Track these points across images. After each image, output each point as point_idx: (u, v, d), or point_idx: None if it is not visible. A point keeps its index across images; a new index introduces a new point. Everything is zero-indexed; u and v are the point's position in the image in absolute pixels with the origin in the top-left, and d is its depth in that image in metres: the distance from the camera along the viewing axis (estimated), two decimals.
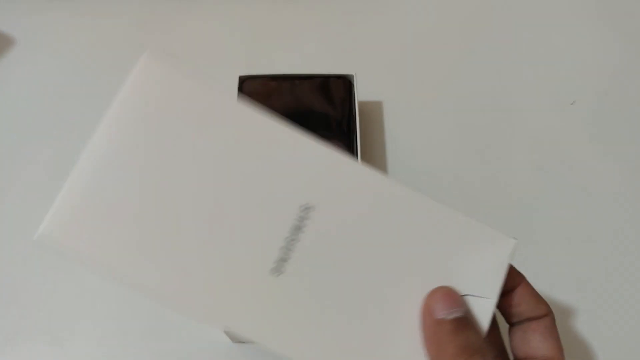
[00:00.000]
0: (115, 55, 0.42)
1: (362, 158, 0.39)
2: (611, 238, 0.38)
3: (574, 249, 0.38)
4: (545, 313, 0.26)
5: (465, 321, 0.22)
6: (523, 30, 0.45)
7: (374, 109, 0.42)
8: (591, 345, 0.35)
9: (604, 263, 0.38)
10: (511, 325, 0.27)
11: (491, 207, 0.39)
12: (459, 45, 0.45)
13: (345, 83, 0.39)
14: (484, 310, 0.23)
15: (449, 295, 0.22)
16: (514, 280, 0.26)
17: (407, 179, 0.40)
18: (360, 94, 0.39)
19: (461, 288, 0.23)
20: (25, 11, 0.46)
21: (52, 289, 0.36)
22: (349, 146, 0.37)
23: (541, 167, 0.40)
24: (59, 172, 0.41)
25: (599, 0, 0.47)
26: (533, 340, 0.26)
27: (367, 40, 0.45)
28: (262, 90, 0.39)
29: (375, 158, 0.41)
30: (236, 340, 0.35)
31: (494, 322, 0.26)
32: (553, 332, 0.26)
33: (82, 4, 0.46)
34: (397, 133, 0.41)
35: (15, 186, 0.40)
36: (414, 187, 0.42)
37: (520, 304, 0.26)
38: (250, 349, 0.35)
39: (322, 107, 0.38)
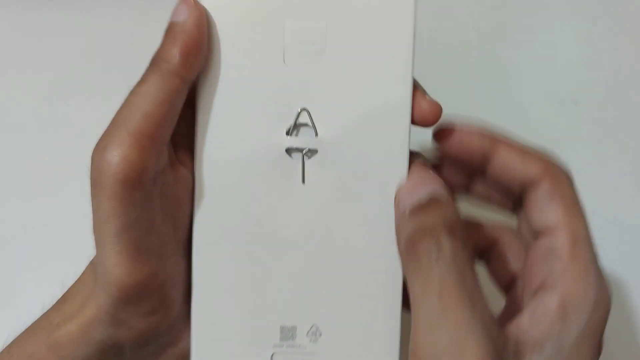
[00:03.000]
0: (115, 54, 0.42)
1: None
2: (613, 238, 0.38)
3: None
4: (539, 176, 0.22)
5: (425, 203, 0.20)
6: (524, 30, 0.45)
7: None
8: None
9: (604, 263, 0.37)
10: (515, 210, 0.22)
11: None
12: (459, 45, 0.45)
13: None
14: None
15: (413, 182, 0.21)
16: (484, 144, 0.22)
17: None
18: None
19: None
20: (24, 10, 0.46)
21: (52, 289, 0.36)
22: None
23: None
24: (59, 172, 0.41)
25: None
26: (529, 213, 0.21)
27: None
28: None
29: None
30: None
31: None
32: (550, 198, 0.21)
33: (82, 4, 0.46)
34: None
35: (15, 186, 0.40)
36: None
37: (504, 172, 0.22)
38: None
39: None
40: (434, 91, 0.44)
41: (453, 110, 0.43)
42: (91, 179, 0.20)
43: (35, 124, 0.42)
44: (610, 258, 0.38)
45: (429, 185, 0.21)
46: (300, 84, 0.21)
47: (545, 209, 0.21)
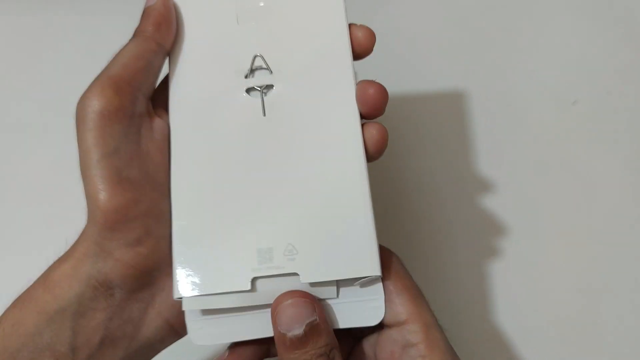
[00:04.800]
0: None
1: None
2: (613, 238, 0.38)
3: (575, 249, 0.38)
4: (377, 275, 0.22)
5: (303, 338, 0.21)
6: (524, 30, 0.45)
7: None
8: (594, 345, 0.35)
9: (606, 263, 0.37)
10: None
11: (492, 206, 0.39)
12: (459, 45, 0.45)
13: None
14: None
15: (294, 308, 0.21)
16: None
17: (408, 179, 0.40)
18: None
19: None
20: (24, 10, 0.46)
21: None
22: None
23: (543, 167, 0.40)
24: (59, 172, 0.41)
25: None
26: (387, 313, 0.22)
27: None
28: None
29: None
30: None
31: None
32: (396, 290, 0.23)
33: (81, 3, 0.46)
34: (397, 133, 0.41)
35: (15, 186, 0.40)
36: (414, 186, 0.42)
37: None
38: None
39: None
40: (434, 91, 0.44)
41: (453, 110, 0.44)
42: (76, 117, 0.23)
43: (36, 124, 0.42)
44: (610, 257, 0.38)
45: (306, 315, 0.21)
46: (253, 38, 0.26)
47: (393, 301, 0.23)
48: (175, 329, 0.24)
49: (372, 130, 0.24)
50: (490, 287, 0.37)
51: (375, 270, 0.22)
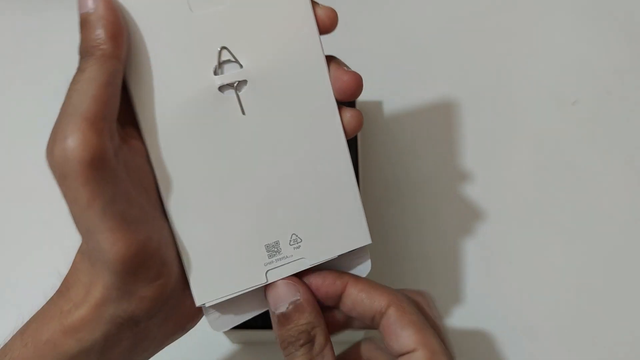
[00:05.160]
0: None
1: (362, 158, 0.39)
2: (613, 238, 0.38)
3: (575, 249, 0.38)
4: (387, 305, 0.24)
5: (287, 315, 0.24)
6: (524, 30, 0.45)
7: (374, 109, 0.42)
8: (594, 346, 0.35)
9: (606, 263, 0.37)
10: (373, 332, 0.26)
11: (492, 206, 0.39)
12: (459, 45, 0.45)
13: None
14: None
15: (280, 288, 0.24)
16: (335, 287, 0.25)
17: (408, 179, 0.40)
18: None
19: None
20: (24, 10, 0.46)
21: (52, 288, 0.36)
22: (349, 146, 0.37)
23: (543, 167, 0.40)
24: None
25: None
26: (389, 341, 0.24)
27: (367, 39, 0.45)
28: None
29: (375, 158, 0.41)
30: (236, 341, 0.35)
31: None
32: (402, 322, 0.24)
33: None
34: (397, 133, 0.41)
35: (15, 186, 0.40)
36: (415, 186, 0.42)
37: (356, 305, 0.25)
38: (250, 349, 0.35)
39: None
40: (434, 91, 0.45)
41: (453, 110, 0.44)
42: (57, 171, 0.20)
43: (37, 123, 0.42)
44: (609, 257, 0.38)
45: (290, 295, 0.24)
46: (212, 26, 0.23)
47: (400, 334, 0.24)
48: (186, 328, 0.25)
49: (348, 114, 0.25)
50: (490, 287, 0.37)
51: (367, 239, 0.25)
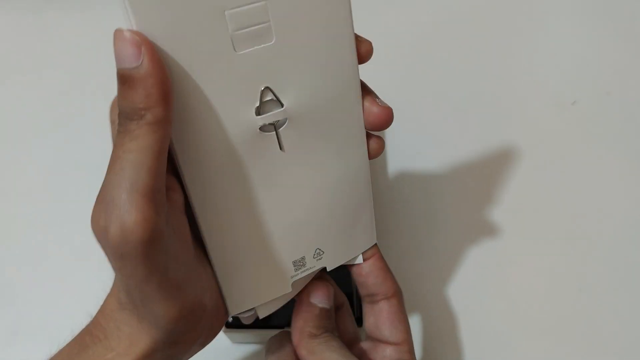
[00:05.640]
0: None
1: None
2: (613, 238, 0.38)
3: (575, 249, 0.38)
4: (393, 293, 0.28)
5: (327, 312, 0.27)
6: (524, 30, 0.45)
7: None
8: (592, 344, 0.35)
9: (606, 263, 0.37)
10: (363, 299, 0.29)
11: (492, 206, 0.39)
12: (459, 45, 0.45)
13: None
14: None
15: (327, 290, 0.28)
16: (367, 252, 0.28)
17: (407, 179, 0.40)
18: None
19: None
20: (25, 10, 0.46)
21: (52, 289, 0.36)
22: None
23: (542, 167, 0.40)
24: (60, 170, 0.41)
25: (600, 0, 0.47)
26: (383, 326, 0.28)
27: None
28: None
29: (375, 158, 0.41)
30: (236, 341, 0.35)
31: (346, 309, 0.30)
32: (400, 315, 0.28)
33: (82, 3, 0.46)
34: (397, 133, 0.41)
35: (16, 186, 0.40)
36: (414, 186, 0.42)
37: (369, 276, 0.28)
38: (250, 349, 0.35)
39: None
40: (434, 91, 0.45)
41: (453, 110, 0.44)
42: (113, 250, 0.19)
43: (37, 124, 0.42)
44: (609, 256, 0.38)
45: (329, 298, 0.28)
46: (255, 65, 0.22)
47: (396, 326, 0.28)
48: (207, 343, 0.26)
49: (373, 142, 0.26)
50: (490, 288, 0.37)
51: (373, 240, 0.29)
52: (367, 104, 0.25)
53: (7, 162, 0.41)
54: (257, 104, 0.22)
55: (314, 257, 0.27)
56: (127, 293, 0.21)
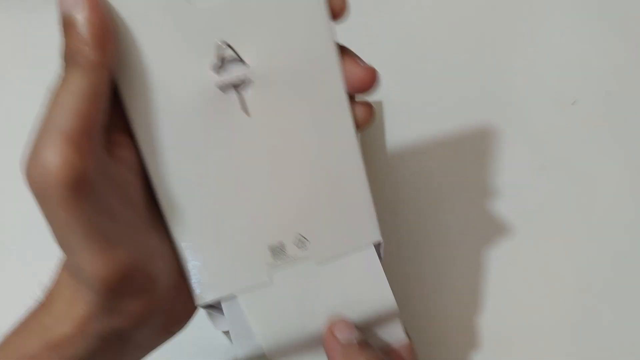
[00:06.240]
0: None
1: (362, 158, 0.39)
2: (613, 239, 0.38)
3: (575, 250, 0.38)
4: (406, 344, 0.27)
5: (354, 347, 0.24)
6: (523, 29, 0.45)
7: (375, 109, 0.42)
8: (593, 344, 0.35)
9: (606, 263, 0.37)
10: None
11: (492, 206, 0.39)
12: (459, 45, 0.45)
13: None
14: None
15: (348, 325, 0.25)
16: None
17: (407, 179, 0.40)
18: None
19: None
20: (27, 10, 0.46)
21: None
22: None
23: (542, 167, 0.40)
24: None
25: None
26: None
27: (367, 39, 0.45)
28: None
29: (375, 158, 0.41)
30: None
31: None
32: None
33: None
34: (397, 133, 0.41)
35: (17, 185, 0.40)
36: (413, 186, 0.42)
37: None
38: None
39: None
40: (434, 91, 0.44)
41: (453, 110, 0.44)
42: (35, 191, 0.19)
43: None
44: (610, 257, 0.38)
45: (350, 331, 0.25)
46: (213, 21, 0.21)
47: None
48: (174, 332, 0.25)
49: (360, 109, 0.24)
50: (490, 288, 0.37)
51: (376, 236, 0.24)
52: (347, 64, 0.23)
53: (9, 162, 0.41)
54: (214, 60, 0.21)
55: (296, 246, 0.23)
56: (60, 247, 0.20)
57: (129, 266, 0.20)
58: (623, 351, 0.35)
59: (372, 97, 0.43)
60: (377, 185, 0.41)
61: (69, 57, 0.19)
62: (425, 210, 0.39)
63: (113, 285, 0.20)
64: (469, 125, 0.42)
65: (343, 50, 0.23)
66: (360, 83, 0.23)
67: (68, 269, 0.22)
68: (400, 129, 0.42)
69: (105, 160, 0.20)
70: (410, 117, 0.42)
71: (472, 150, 0.41)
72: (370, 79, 0.23)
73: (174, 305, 0.23)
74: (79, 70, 0.19)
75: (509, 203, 0.39)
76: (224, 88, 0.21)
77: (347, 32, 0.46)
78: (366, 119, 0.24)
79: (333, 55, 0.22)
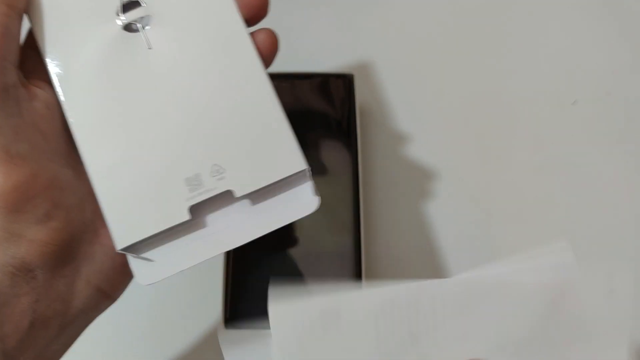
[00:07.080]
0: None
1: (362, 158, 0.39)
2: (613, 239, 0.38)
3: (575, 250, 0.38)
4: None
5: None
6: (523, 29, 0.45)
7: (374, 109, 0.42)
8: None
9: (606, 263, 0.37)
10: None
11: (491, 207, 0.39)
12: (459, 45, 0.44)
13: (345, 82, 0.38)
14: None
15: None
16: None
17: (407, 179, 0.40)
18: (360, 93, 0.39)
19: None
20: None
21: None
22: (349, 146, 0.37)
23: (542, 167, 0.40)
24: None
25: None
26: None
27: (367, 39, 0.45)
28: None
29: (375, 158, 0.40)
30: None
31: None
32: None
33: None
34: (397, 133, 0.41)
35: None
36: (413, 186, 0.42)
37: None
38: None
39: (321, 107, 0.38)
40: (434, 91, 0.44)
41: (453, 110, 0.43)
42: None
43: None
44: (610, 257, 0.38)
45: None
46: None
47: None
48: (108, 293, 0.24)
49: (260, 36, 0.24)
50: None
51: (301, 164, 0.23)
52: None
53: None
54: (118, 6, 0.24)
55: (212, 176, 0.23)
56: None
57: (29, 183, 0.20)
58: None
59: (372, 97, 0.42)
60: (375, 185, 0.41)
61: None
62: (422, 209, 0.39)
63: (12, 199, 0.20)
64: (469, 125, 0.42)
65: None
66: (250, 9, 0.24)
67: None
68: (401, 128, 0.42)
69: (15, 86, 0.22)
70: (410, 117, 0.42)
71: (472, 150, 0.41)
72: (259, 3, 0.24)
73: (97, 252, 0.23)
74: None
75: (508, 202, 0.39)
76: (128, 28, 0.24)
77: (349, 30, 0.46)
78: (270, 46, 0.24)
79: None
